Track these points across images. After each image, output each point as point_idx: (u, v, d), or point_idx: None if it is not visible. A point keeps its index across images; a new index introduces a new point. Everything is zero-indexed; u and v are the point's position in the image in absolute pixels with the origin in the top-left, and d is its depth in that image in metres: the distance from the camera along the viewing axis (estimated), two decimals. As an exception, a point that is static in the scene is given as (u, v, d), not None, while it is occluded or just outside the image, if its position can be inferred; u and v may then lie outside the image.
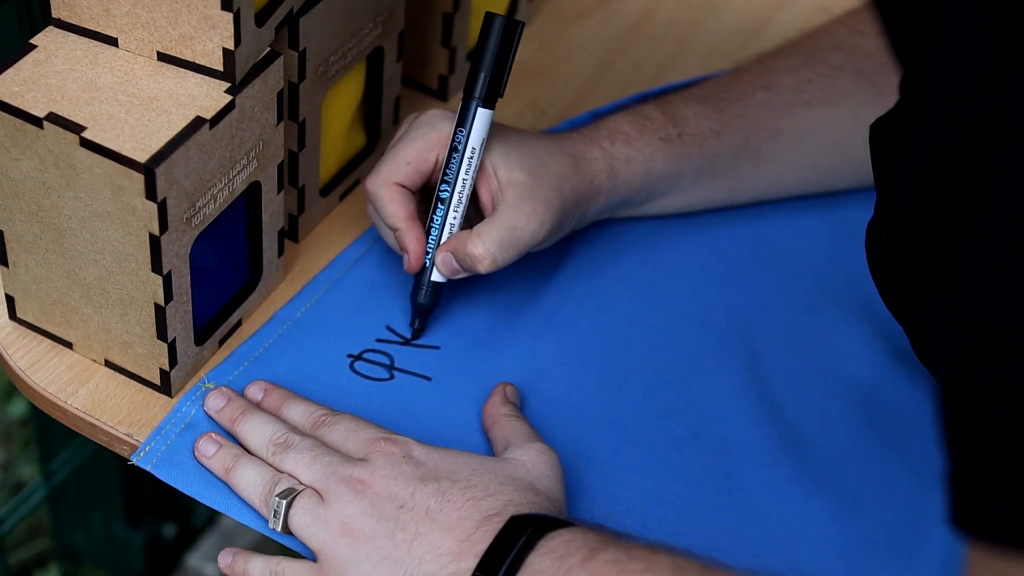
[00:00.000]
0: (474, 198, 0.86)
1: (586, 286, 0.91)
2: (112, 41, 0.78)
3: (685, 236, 0.95)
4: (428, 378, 0.86)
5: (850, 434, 0.85)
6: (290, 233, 0.92)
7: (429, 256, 0.85)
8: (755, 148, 0.92)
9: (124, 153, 0.73)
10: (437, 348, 0.87)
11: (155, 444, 0.80)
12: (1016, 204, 0.47)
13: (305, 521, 0.74)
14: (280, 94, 0.80)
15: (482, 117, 0.83)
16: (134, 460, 0.80)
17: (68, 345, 0.84)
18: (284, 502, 0.75)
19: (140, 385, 0.83)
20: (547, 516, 0.72)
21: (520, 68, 1.06)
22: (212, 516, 1.53)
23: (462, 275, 0.85)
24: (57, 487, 1.35)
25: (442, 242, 0.85)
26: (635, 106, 0.92)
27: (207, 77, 0.77)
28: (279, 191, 0.84)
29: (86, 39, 0.78)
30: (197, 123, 0.75)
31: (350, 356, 0.86)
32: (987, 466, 0.50)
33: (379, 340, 0.87)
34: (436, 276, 0.86)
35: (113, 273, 0.78)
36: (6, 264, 0.82)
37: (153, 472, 0.79)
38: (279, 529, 0.75)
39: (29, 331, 0.85)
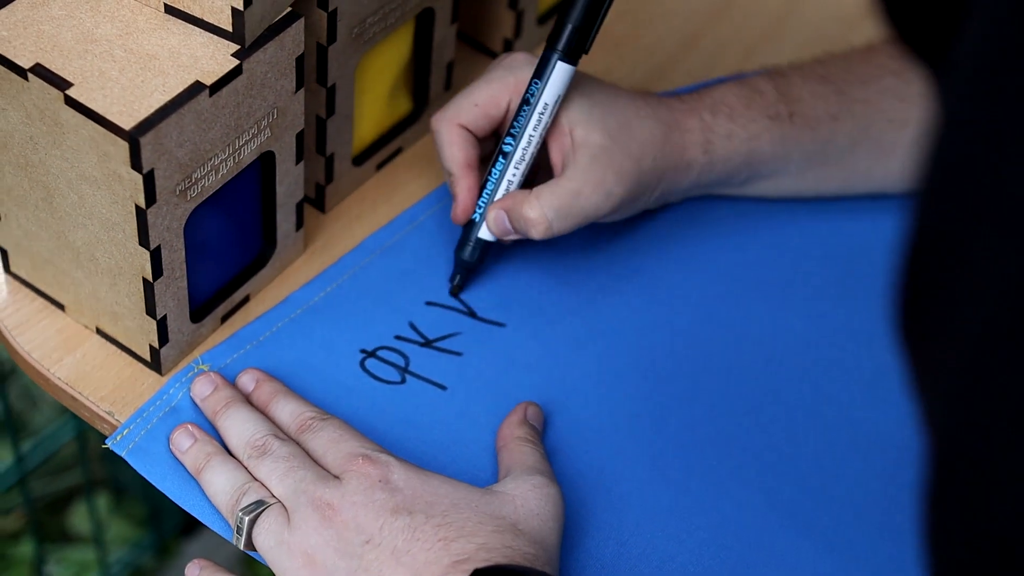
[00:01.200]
0: (546, 156, 0.79)
1: (640, 292, 0.83)
2: (118, -13, 0.71)
3: (772, 229, 0.86)
4: (443, 387, 0.78)
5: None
6: (316, 203, 0.84)
7: (480, 211, 0.79)
8: (876, 138, 0.83)
9: (109, 117, 0.66)
10: (459, 354, 0.79)
11: (135, 427, 0.74)
12: (1002, 294, 0.38)
13: (268, 544, 0.68)
14: (300, 59, 0.73)
15: (561, 72, 0.76)
16: (109, 444, 0.74)
17: (61, 307, 0.78)
18: (248, 519, 0.68)
19: (131, 358, 0.77)
20: (515, 569, 0.65)
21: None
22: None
23: (512, 237, 0.78)
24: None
25: (497, 198, 0.78)
26: (746, 79, 0.83)
27: (215, 37, 0.70)
28: (298, 162, 0.77)
29: (92, -18, 0.71)
30: (195, 89, 0.68)
31: (363, 352, 0.79)
32: (965, 543, 0.42)
33: (397, 337, 0.79)
34: (484, 233, 0.79)
35: (101, 240, 0.72)
36: (-2, 216, 0.76)
37: (127, 459, 0.73)
38: (242, 546, 0.69)
39: (24, 287, 0.79)
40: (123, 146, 0.66)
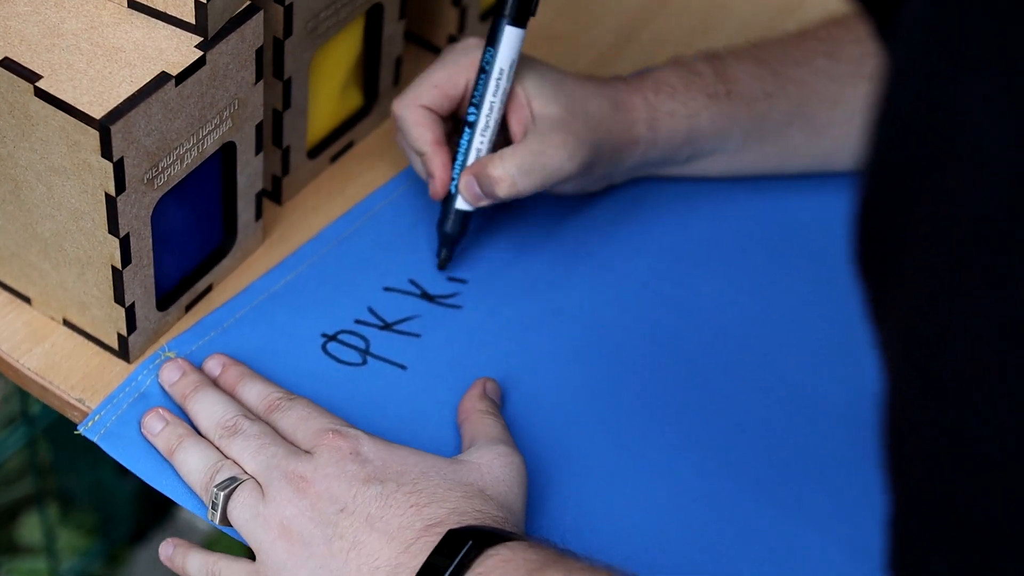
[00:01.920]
0: (507, 130, 0.82)
1: (590, 273, 0.86)
2: (82, -16, 0.73)
3: (714, 209, 0.90)
4: (404, 367, 0.81)
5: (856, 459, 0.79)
6: (273, 195, 0.87)
7: (455, 183, 0.82)
8: (810, 116, 0.87)
9: (79, 107, 0.68)
10: (418, 336, 0.82)
11: (105, 413, 0.76)
12: (950, 218, 0.42)
13: (244, 517, 0.70)
14: (259, 51, 0.75)
15: (511, 35, 0.80)
16: (81, 430, 0.75)
17: (27, 300, 0.80)
18: (222, 494, 0.71)
19: (98, 348, 0.79)
20: (488, 529, 0.68)
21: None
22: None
23: (485, 202, 0.81)
24: (54, 423, 1.32)
25: (468, 166, 0.82)
26: (683, 59, 0.88)
27: (178, 29, 0.72)
28: (257, 152, 0.79)
29: (55, -20, 0.73)
30: (162, 79, 0.70)
31: (324, 336, 0.81)
32: (920, 512, 0.45)
33: (357, 321, 0.82)
34: (462, 204, 0.82)
35: (70, 231, 0.74)
36: (-36, 212, 0.78)
37: (100, 444, 0.75)
38: (217, 521, 0.71)
39: (-12, 282, 0.81)
40: (93, 135, 0.68)
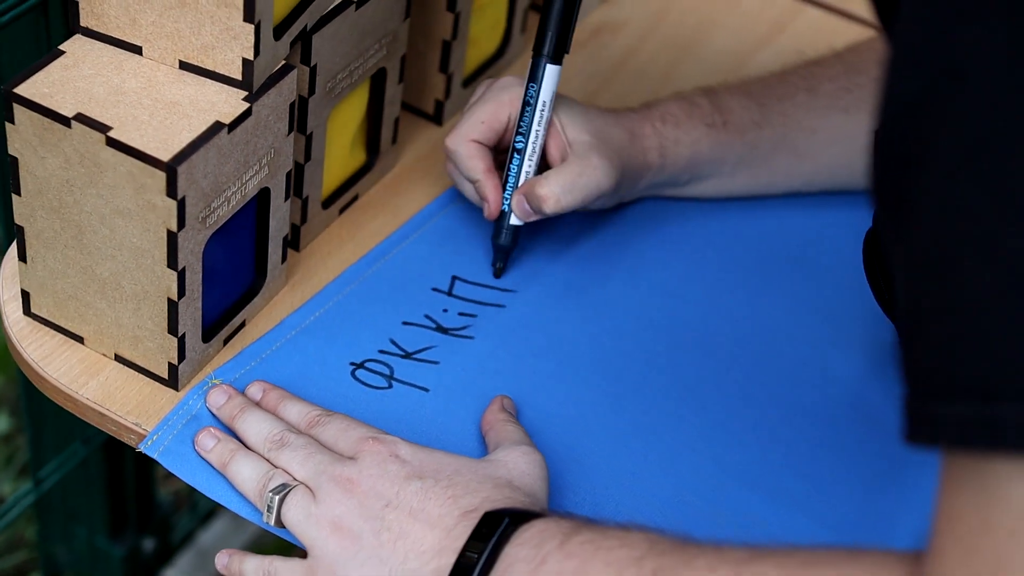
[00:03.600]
0: (544, 156, 0.94)
1: (588, 304, 0.96)
2: (137, 49, 0.82)
3: (707, 229, 1.01)
4: (426, 389, 0.90)
5: (839, 436, 0.90)
6: (292, 242, 0.96)
7: (507, 202, 0.94)
8: (792, 143, 1.00)
9: (148, 152, 0.77)
10: (436, 363, 0.91)
11: (162, 434, 0.84)
12: (958, 138, 0.52)
13: (297, 518, 0.78)
14: (292, 105, 0.85)
15: (551, 73, 0.92)
16: (142, 448, 0.83)
17: (80, 340, 0.88)
18: (277, 497, 0.78)
19: (148, 379, 0.87)
20: (521, 509, 0.76)
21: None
22: (190, 533, 1.56)
23: (534, 217, 0.93)
24: (44, 496, 1.38)
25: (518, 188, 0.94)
26: (682, 93, 1.00)
27: (225, 86, 0.82)
28: (286, 199, 0.89)
29: (111, 47, 0.83)
30: (216, 127, 0.79)
31: (352, 364, 0.90)
32: (933, 379, 0.54)
33: (381, 351, 0.91)
34: (515, 220, 0.94)
35: (129, 268, 0.82)
36: (24, 260, 0.86)
37: (159, 460, 0.83)
38: (272, 523, 0.79)
39: (41, 326, 0.89)
40: (160, 176, 0.77)
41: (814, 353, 0.95)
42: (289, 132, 0.86)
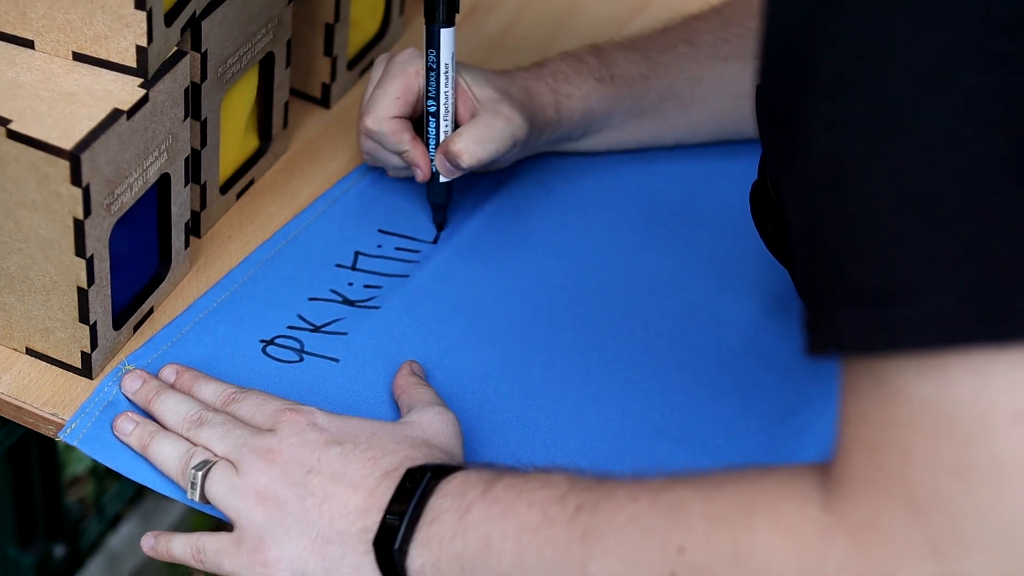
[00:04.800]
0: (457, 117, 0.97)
1: (486, 268, 0.99)
2: (29, 43, 0.83)
3: (601, 182, 1.05)
4: (336, 360, 0.92)
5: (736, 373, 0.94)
6: (193, 228, 0.97)
7: (433, 163, 0.97)
8: (678, 93, 1.04)
9: (50, 142, 0.78)
10: (345, 334, 0.93)
11: (80, 422, 0.85)
12: (839, 56, 0.56)
13: (221, 491, 0.80)
14: (187, 91, 0.86)
15: (446, 35, 0.95)
16: (61, 436, 0.84)
17: (-11, 336, 0.89)
18: (200, 474, 0.80)
19: (61, 370, 0.88)
20: (442, 464, 0.79)
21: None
22: (99, 538, 1.56)
23: (457, 173, 0.97)
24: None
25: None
26: (570, 51, 1.04)
27: (121, 74, 0.83)
28: (186, 184, 0.90)
29: (3, 43, 0.83)
30: (115, 114, 0.81)
31: (262, 341, 0.92)
32: (829, 290, 0.58)
33: (290, 327, 0.93)
34: (442, 178, 0.98)
35: (37, 260, 0.83)
36: (-72, 260, 0.86)
37: (80, 447, 0.84)
38: (197, 499, 0.81)
39: (-51, 326, 0.89)
40: (64, 165, 0.78)
41: (708, 301, 0.98)
42: (185, 117, 0.87)
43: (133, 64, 0.82)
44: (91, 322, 0.85)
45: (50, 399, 0.87)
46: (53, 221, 0.81)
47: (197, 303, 0.93)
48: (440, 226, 1.01)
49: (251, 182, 1.02)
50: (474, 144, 0.95)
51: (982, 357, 0.54)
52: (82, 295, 0.84)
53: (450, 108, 0.96)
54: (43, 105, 0.80)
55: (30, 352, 0.88)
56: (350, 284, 0.96)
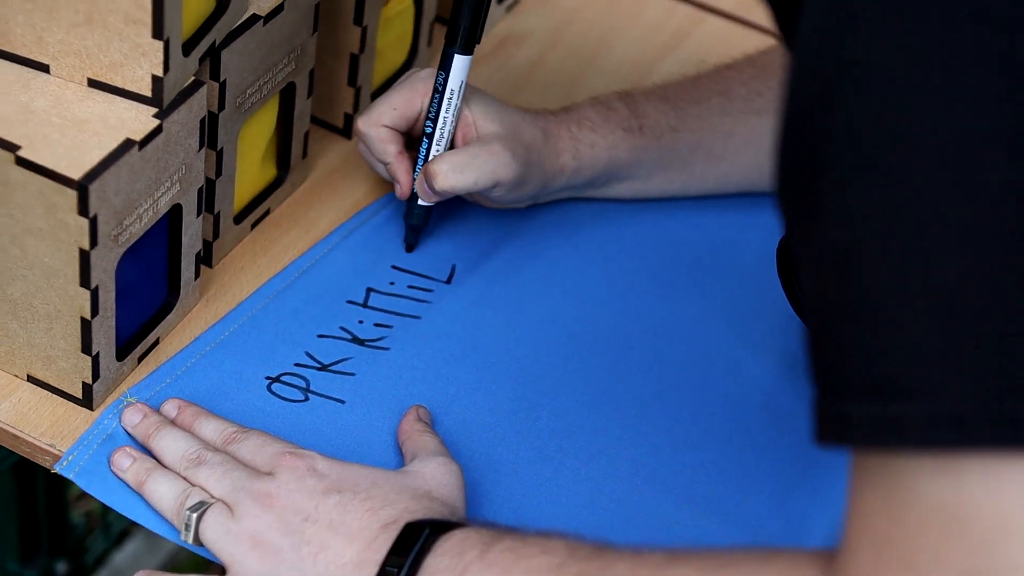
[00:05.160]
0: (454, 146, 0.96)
1: (500, 311, 0.97)
2: (44, 68, 0.82)
3: (621, 233, 1.03)
4: (342, 401, 0.90)
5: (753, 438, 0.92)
6: (205, 258, 0.96)
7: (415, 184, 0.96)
8: (709, 147, 1.02)
9: (59, 171, 0.77)
10: (352, 375, 0.91)
11: (77, 454, 0.83)
12: (853, 138, 0.54)
13: (216, 535, 0.78)
14: (203, 121, 0.85)
15: (459, 62, 0.94)
16: (57, 468, 0.83)
17: (-10, 361, 0.87)
18: (195, 515, 0.78)
19: (62, 399, 0.86)
20: (441, 520, 0.77)
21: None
22: (103, 555, 1.54)
23: (434, 198, 0.95)
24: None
25: None
26: (600, 97, 1.01)
27: (135, 103, 0.81)
28: (198, 214, 0.89)
29: (18, 66, 0.82)
30: (127, 144, 0.79)
31: (268, 378, 0.90)
32: (838, 378, 0.56)
33: (297, 364, 0.91)
34: (423, 200, 0.96)
35: (41, 288, 0.81)
36: (-68, 282, 0.85)
37: (75, 481, 0.82)
38: (191, 541, 0.79)
39: (-49, 348, 0.88)
40: (72, 195, 0.77)
41: (726, 356, 0.96)
42: (200, 148, 0.86)
43: (148, 93, 0.81)
44: (93, 353, 0.83)
45: (48, 429, 0.85)
46: (59, 250, 0.79)
47: (204, 335, 0.91)
48: (410, 248, 0.99)
49: (267, 212, 1.01)
50: (451, 169, 0.93)
51: (996, 461, 0.52)
52: (85, 326, 0.82)
53: (446, 134, 0.95)
54: (55, 132, 0.79)
55: (31, 380, 0.87)
56: (360, 322, 0.94)
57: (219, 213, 0.94)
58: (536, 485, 0.87)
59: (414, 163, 0.96)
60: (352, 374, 0.91)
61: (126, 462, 0.83)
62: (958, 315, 0.52)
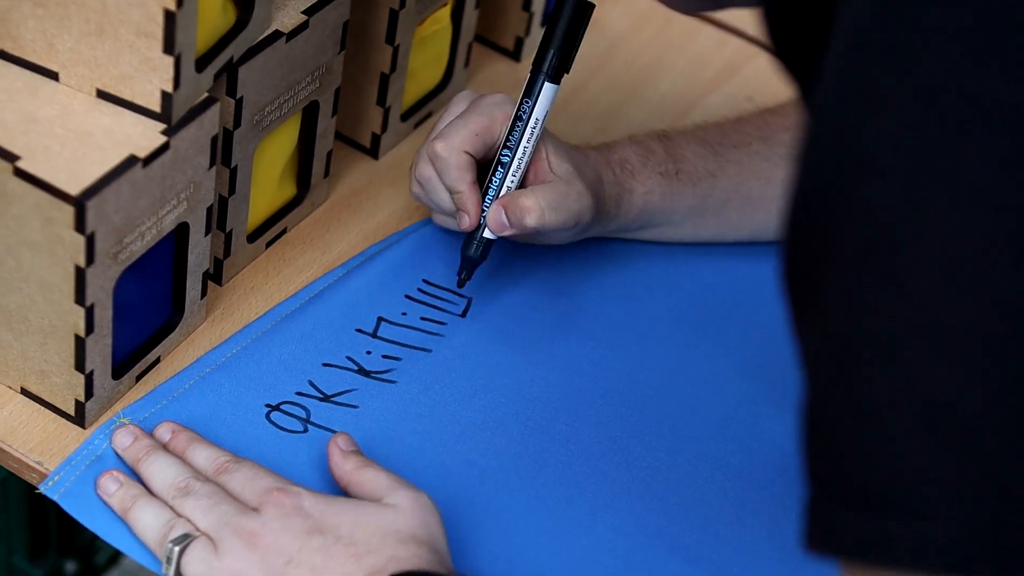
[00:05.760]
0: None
1: (517, 349, 0.93)
2: (53, 75, 0.79)
3: (646, 276, 0.99)
4: None
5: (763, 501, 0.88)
6: (215, 276, 0.93)
7: (484, 215, 0.91)
8: (746, 194, 0.98)
9: (57, 185, 0.74)
10: (355, 407, 0.88)
11: (64, 474, 0.81)
12: (861, 231, 0.50)
13: (198, 571, 0.75)
14: (214, 139, 0.82)
15: (548, 91, 0.90)
16: (41, 488, 0.80)
17: (-15, 371, 0.85)
18: (177, 549, 0.76)
19: (54, 415, 0.84)
20: (425, 572, 0.74)
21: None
22: (114, 556, 1.52)
23: (509, 232, 0.90)
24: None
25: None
26: (639, 137, 0.98)
27: (144, 117, 0.79)
28: (206, 233, 0.86)
29: (27, 71, 0.80)
30: (131, 161, 0.76)
31: (268, 406, 0.87)
32: (830, 484, 0.52)
33: (298, 393, 0.88)
34: (488, 233, 0.91)
35: (36, 302, 0.79)
36: (-71, 287, 0.83)
37: (59, 502, 0.80)
38: (171, 575, 0.76)
39: (-53, 355, 0.86)
40: (69, 211, 0.74)
41: (745, 411, 0.92)
42: (210, 166, 0.83)
43: (157, 109, 0.78)
44: (87, 371, 0.81)
45: (38, 445, 0.83)
46: (54, 265, 0.77)
47: (205, 357, 0.88)
48: (462, 282, 0.93)
49: (284, 231, 0.98)
50: (548, 206, 0.89)
51: None
52: (79, 343, 0.79)
53: (523, 165, 0.91)
54: (57, 143, 0.76)
55: (25, 392, 0.84)
56: (368, 352, 0.91)
57: (231, 231, 0.91)
58: (535, 536, 0.84)
59: (482, 192, 0.92)
60: (355, 406, 0.88)
61: (112, 487, 0.80)
62: (957, 435, 0.48)
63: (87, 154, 0.76)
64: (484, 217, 0.91)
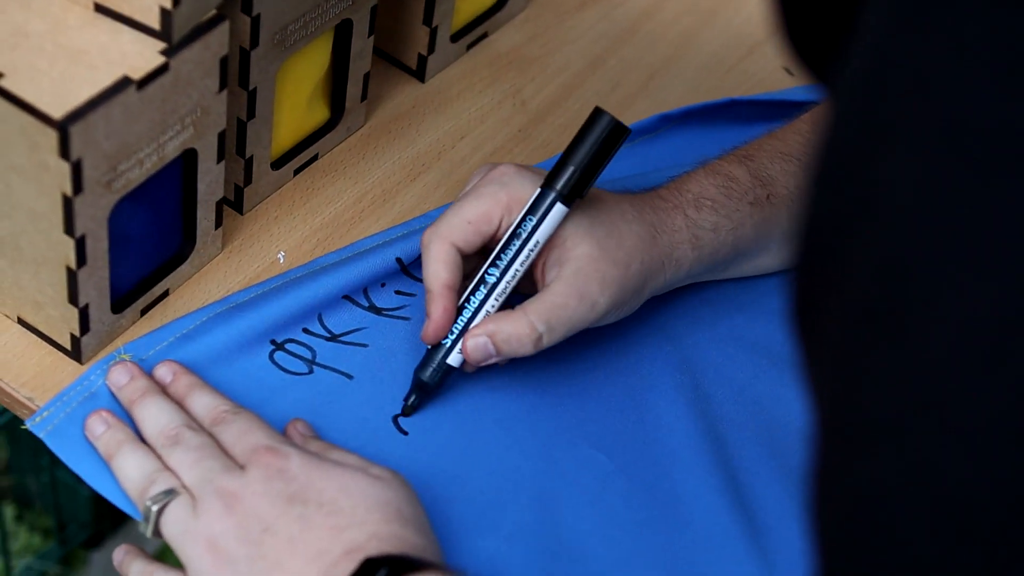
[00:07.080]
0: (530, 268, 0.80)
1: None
2: (49, -14, 0.74)
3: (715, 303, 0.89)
4: (350, 376, 0.81)
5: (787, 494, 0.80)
6: (235, 204, 0.87)
7: (453, 336, 0.78)
8: None
9: (39, 107, 0.68)
10: (365, 346, 0.82)
11: (54, 411, 0.76)
12: (869, 274, 0.43)
13: (174, 532, 0.71)
14: (224, 60, 0.76)
15: (556, 213, 0.77)
16: (28, 425, 0.76)
17: (-17, 297, 0.81)
18: (155, 508, 0.71)
19: (51, 347, 0.79)
20: (403, 557, 0.68)
21: (508, 55, 1.01)
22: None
23: (494, 360, 0.78)
24: (10, 423, 1.32)
25: (473, 326, 0.78)
26: (716, 165, 0.85)
27: (143, 35, 0.73)
28: (219, 161, 0.80)
29: (24, -20, 0.74)
30: (123, 83, 0.70)
31: (273, 343, 0.82)
32: (832, 555, 0.46)
33: (305, 331, 0.82)
34: (453, 360, 0.79)
35: (26, 230, 0.74)
36: (-76, 206, 0.78)
37: (45, 441, 0.75)
38: (149, 535, 0.72)
39: (-54, 278, 0.81)
40: (52, 135, 0.68)
41: (770, 494, 0.83)
42: (220, 89, 0.77)
43: (156, 26, 0.72)
44: (81, 304, 0.76)
45: (31, 379, 0.78)
46: (42, 194, 0.72)
47: (226, 297, 0.82)
48: (408, 411, 0.80)
49: (314, 157, 0.92)
50: (545, 328, 0.76)
51: None
52: (71, 276, 0.74)
53: (509, 289, 0.78)
54: (45, 61, 0.71)
55: (22, 323, 0.80)
56: (382, 285, 0.85)
57: (251, 157, 0.85)
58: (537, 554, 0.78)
59: (459, 305, 0.78)
60: (364, 345, 0.82)
61: (99, 428, 0.75)
62: (968, 533, 0.41)
63: (77, 73, 0.70)
64: (451, 338, 0.79)
